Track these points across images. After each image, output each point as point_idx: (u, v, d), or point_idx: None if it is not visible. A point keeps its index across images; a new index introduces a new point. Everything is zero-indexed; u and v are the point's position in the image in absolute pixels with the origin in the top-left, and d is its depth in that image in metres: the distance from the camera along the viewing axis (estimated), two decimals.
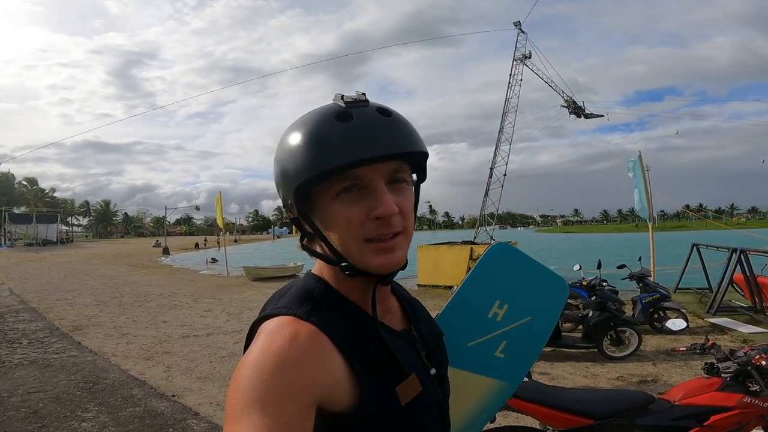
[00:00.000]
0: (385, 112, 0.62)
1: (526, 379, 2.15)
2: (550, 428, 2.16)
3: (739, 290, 7.32)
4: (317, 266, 0.70)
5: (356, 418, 0.58)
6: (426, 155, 0.67)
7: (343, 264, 0.63)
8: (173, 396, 4.10)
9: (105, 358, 5.43)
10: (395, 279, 0.71)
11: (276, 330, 0.59)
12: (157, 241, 44.07)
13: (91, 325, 7.38)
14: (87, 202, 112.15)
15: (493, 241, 14.35)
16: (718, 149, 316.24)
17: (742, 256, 6.75)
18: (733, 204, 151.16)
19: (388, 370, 0.63)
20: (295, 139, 0.61)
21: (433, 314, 0.90)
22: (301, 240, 0.68)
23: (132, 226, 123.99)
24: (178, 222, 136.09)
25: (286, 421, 0.51)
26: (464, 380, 0.99)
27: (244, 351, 0.60)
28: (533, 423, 2.26)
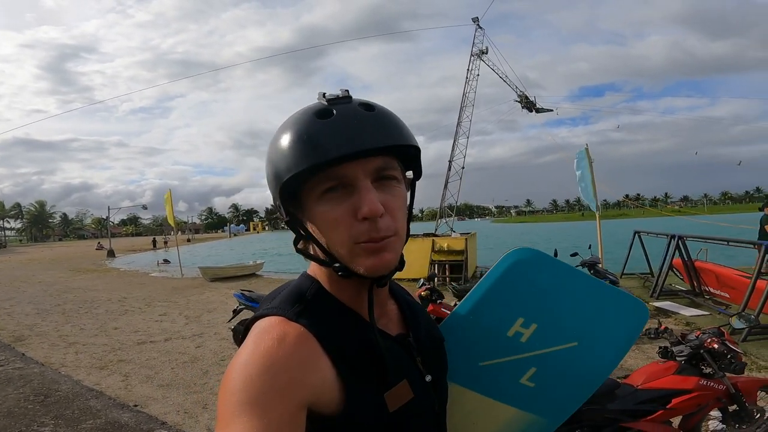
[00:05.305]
0: (368, 107, 0.60)
1: None
2: None
3: (678, 274, 7.77)
4: (312, 267, 0.69)
5: (342, 422, 0.57)
6: (418, 149, 0.64)
7: (336, 265, 0.61)
8: (135, 406, 3.91)
9: (54, 369, 5.09)
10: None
11: (265, 331, 0.58)
12: (100, 243, 41.44)
13: (33, 335, 6.87)
14: (18, 204, 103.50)
15: (453, 233, 14.65)
16: (653, 142, 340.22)
17: (679, 242, 7.20)
18: (666, 193, 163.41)
19: (376, 376, 0.61)
20: (277, 140, 0.60)
21: None
22: (295, 243, 0.65)
23: (71, 228, 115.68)
24: (123, 222, 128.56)
25: (276, 423, 0.50)
26: (478, 404, 0.87)
27: None
28: None
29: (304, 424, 0.54)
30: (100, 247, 37.17)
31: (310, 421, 0.55)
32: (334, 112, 0.58)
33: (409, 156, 0.64)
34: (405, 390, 0.63)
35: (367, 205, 0.56)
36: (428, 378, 0.69)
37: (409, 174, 0.68)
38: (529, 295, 0.86)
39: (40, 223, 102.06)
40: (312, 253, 0.65)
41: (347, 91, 0.61)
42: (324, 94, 0.61)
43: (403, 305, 0.75)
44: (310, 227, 0.62)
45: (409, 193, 0.67)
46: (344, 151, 0.55)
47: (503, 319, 0.85)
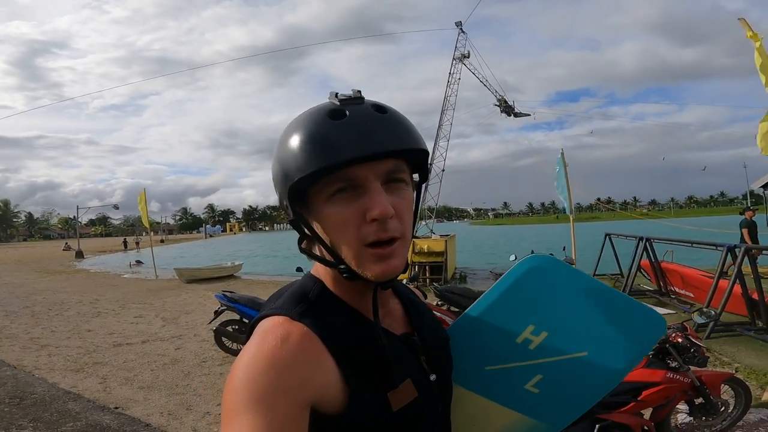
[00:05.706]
0: (380, 108, 0.60)
1: None
2: None
3: (645, 275, 8.13)
4: (316, 267, 0.69)
5: (345, 421, 0.58)
6: (426, 153, 0.64)
7: (342, 267, 0.61)
8: (117, 408, 3.84)
9: (27, 371, 4.94)
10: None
11: (268, 330, 0.59)
12: (67, 243, 40.00)
13: (2, 337, 6.63)
14: None
15: (433, 234, 14.80)
16: (624, 147, 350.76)
17: (647, 244, 7.54)
18: (635, 197, 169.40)
19: (380, 375, 0.61)
20: (287, 139, 0.60)
21: None
22: (300, 242, 0.66)
23: (36, 228, 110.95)
24: (92, 222, 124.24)
25: (280, 421, 0.51)
26: (479, 406, 0.87)
27: None
28: None
29: (307, 424, 0.54)
30: (67, 248, 35.97)
31: (313, 420, 0.56)
32: (347, 113, 0.58)
33: (417, 159, 0.65)
34: (409, 389, 0.63)
35: (377, 207, 0.56)
36: (433, 377, 0.69)
37: (416, 177, 0.69)
38: (542, 302, 0.84)
39: (3, 223, 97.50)
40: (317, 253, 0.65)
41: (359, 91, 0.61)
42: (336, 93, 0.61)
43: (407, 304, 0.75)
44: (317, 227, 0.61)
45: (415, 196, 0.67)
46: (358, 154, 0.55)
47: (514, 325, 0.84)
